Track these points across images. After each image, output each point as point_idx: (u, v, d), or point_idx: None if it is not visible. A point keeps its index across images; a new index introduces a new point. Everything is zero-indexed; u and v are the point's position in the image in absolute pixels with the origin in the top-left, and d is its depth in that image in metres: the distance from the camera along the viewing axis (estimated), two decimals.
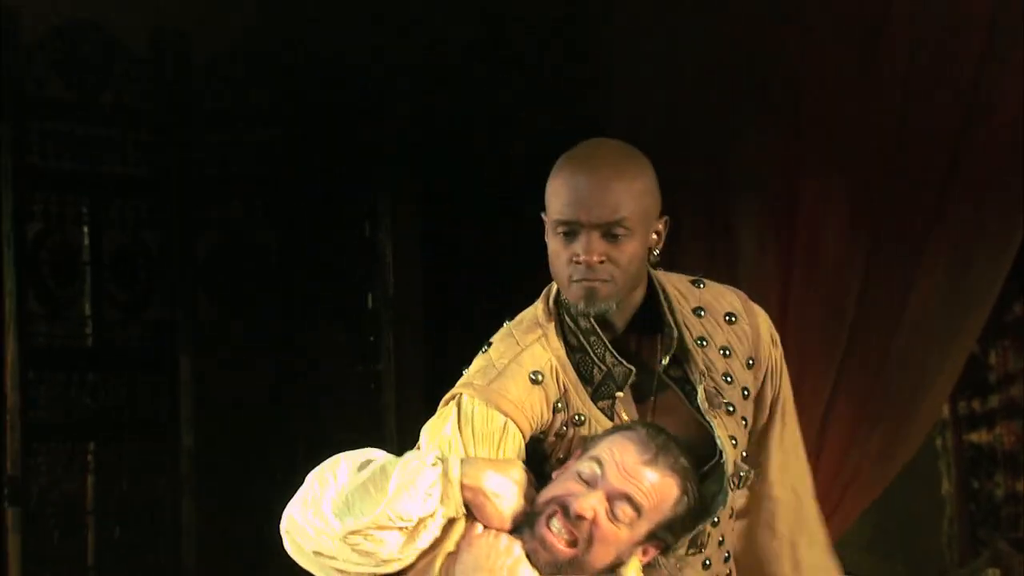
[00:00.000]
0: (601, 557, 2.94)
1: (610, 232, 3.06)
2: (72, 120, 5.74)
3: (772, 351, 3.30)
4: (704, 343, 3.19)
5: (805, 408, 5.29)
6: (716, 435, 3.12)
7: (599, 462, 2.96)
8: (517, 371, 3.11)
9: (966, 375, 6.20)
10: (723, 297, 3.27)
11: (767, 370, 3.29)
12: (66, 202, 5.77)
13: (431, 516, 2.91)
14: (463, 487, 2.95)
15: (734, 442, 3.16)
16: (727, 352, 3.21)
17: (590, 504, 2.93)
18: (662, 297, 3.17)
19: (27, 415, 5.57)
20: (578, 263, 3.07)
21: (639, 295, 3.16)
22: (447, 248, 5.76)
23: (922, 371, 5.37)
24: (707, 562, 3.17)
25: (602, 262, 3.06)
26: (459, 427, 3.08)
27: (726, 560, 3.23)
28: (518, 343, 3.14)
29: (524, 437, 3.07)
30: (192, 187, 5.96)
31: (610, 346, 3.12)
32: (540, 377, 3.11)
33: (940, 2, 5.16)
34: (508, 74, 5.71)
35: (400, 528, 2.89)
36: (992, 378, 6.79)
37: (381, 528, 2.88)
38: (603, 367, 3.13)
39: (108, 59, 5.82)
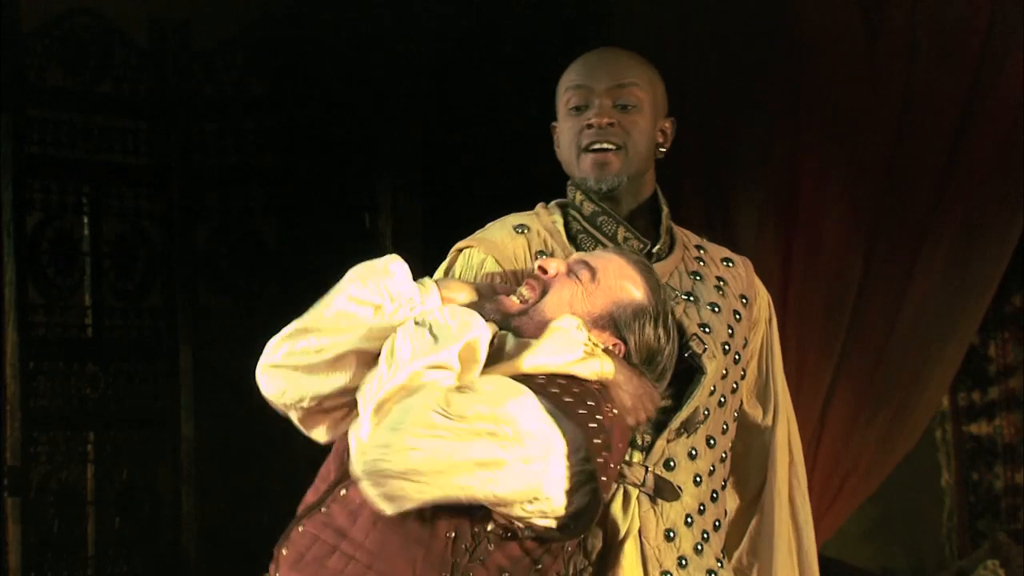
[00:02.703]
0: (552, 309, 2.93)
1: (620, 99, 3.12)
2: (72, 109, 5.73)
3: (765, 323, 3.31)
4: (698, 277, 3.23)
5: (805, 398, 5.33)
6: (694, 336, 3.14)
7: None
8: (501, 224, 3.21)
9: (966, 367, 6.21)
10: (723, 250, 3.34)
11: (763, 340, 3.29)
12: (66, 191, 5.76)
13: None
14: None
15: (714, 355, 3.16)
16: (720, 286, 3.24)
17: (551, 264, 2.96)
18: (663, 204, 3.23)
19: (27, 405, 5.56)
20: (589, 127, 3.13)
21: (645, 191, 3.19)
22: (448, 239, 5.76)
23: (922, 362, 5.37)
24: (697, 478, 3.18)
25: (612, 125, 3.12)
26: (444, 273, 3.19)
27: (714, 498, 3.22)
28: (503, 217, 3.24)
29: (506, 273, 3.13)
30: (192, 176, 5.96)
31: (623, 222, 3.17)
32: (524, 229, 3.18)
33: None
34: (509, 65, 5.71)
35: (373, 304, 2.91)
36: (992, 370, 6.80)
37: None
38: (608, 244, 3.17)
39: (108, 48, 5.81)
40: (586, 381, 2.83)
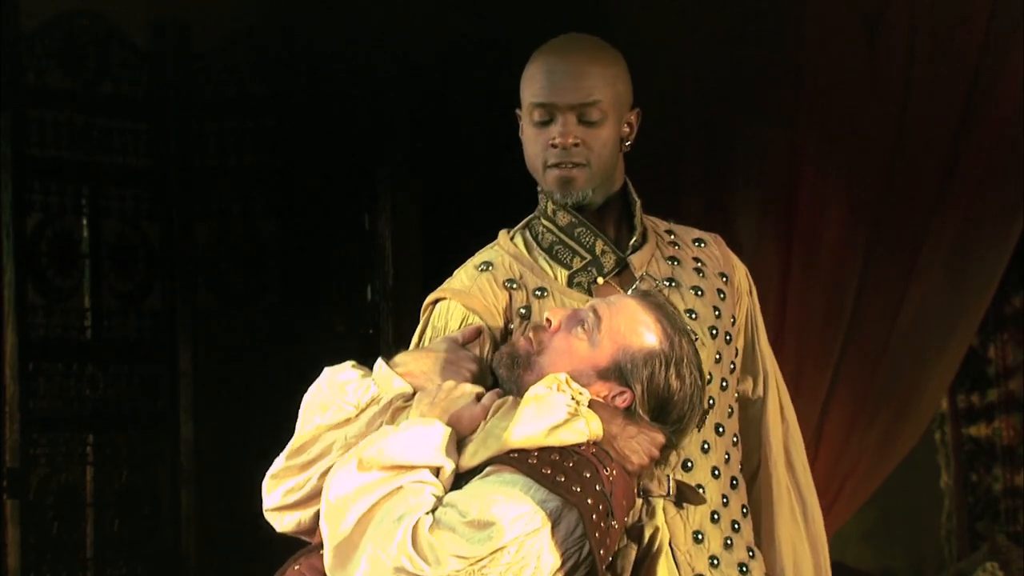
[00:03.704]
0: (553, 362, 2.89)
1: (584, 116, 3.14)
2: (72, 110, 5.73)
3: (747, 295, 3.31)
4: (676, 262, 3.24)
5: (804, 400, 5.33)
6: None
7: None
8: (465, 269, 3.21)
9: (965, 368, 6.21)
10: (692, 231, 3.35)
11: (747, 315, 3.29)
12: (65, 192, 5.76)
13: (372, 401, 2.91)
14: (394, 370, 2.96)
15: (703, 343, 3.16)
16: (699, 268, 3.26)
17: (557, 314, 2.93)
18: (634, 195, 3.24)
19: (26, 406, 5.56)
20: (553, 146, 3.14)
21: (615, 186, 3.23)
22: (447, 240, 5.76)
23: (921, 364, 5.37)
24: (715, 471, 3.18)
25: (576, 145, 3.13)
26: (420, 335, 3.18)
27: (734, 485, 3.22)
28: (469, 259, 3.24)
29: (479, 313, 3.12)
30: (191, 178, 5.95)
31: (601, 234, 3.18)
32: (487, 266, 3.18)
33: None
34: (509, 65, 5.71)
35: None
36: (991, 371, 6.80)
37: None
38: (586, 255, 3.17)
39: (108, 49, 5.81)
40: (579, 447, 2.79)
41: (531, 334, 2.94)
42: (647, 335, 2.89)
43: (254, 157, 6.00)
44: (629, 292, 3.13)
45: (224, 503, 5.85)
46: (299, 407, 3.03)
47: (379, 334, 5.86)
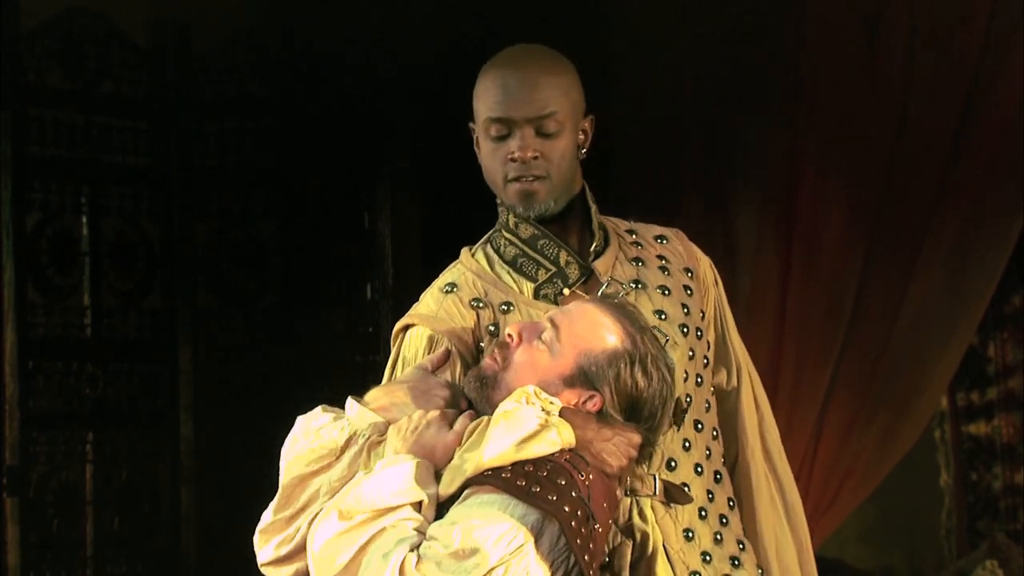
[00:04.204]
0: (518, 377, 2.88)
1: (542, 129, 3.13)
2: (71, 109, 5.73)
3: (713, 287, 3.32)
4: (640, 262, 3.24)
5: (804, 399, 5.33)
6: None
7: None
8: (431, 292, 3.22)
9: (965, 367, 6.21)
10: (653, 228, 3.34)
11: (715, 307, 3.30)
12: (65, 191, 5.76)
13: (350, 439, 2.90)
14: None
15: (675, 343, 3.16)
16: (664, 266, 3.25)
17: (517, 328, 2.92)
18: (591, 201, 3.24)
19: (26, 405, 5.56)
20: (513, 160, 3.14)
21: (573, 191, 3.23)
22: (446, 239, 5.75)
23: (921, 363, 5.37)
24: (698, 468, 3.18)
25: (536, 158, 3.14)
26: (392, 366, 3.18)
27: (718, 479, 3.22)
28: (434, 281, 3.25)
29: (448, 337, 3.13)
30: (191, 176, 5.96)
31: (565, 245, 3.18)
32: (452, 288, 3.19)
33: None
34: None
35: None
36: (991, 370, 6.80)
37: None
38: (550, 267, 3.18)
39: (107, 48, 5.81)
40: (552, 456, 2.78)
41: (496, 352, 2.93)
42: (608, 336, 2.88)
43: (253, 156, 6.00)
44: (587, 298, 3.12)
45: (224, 502, 5.85)
46: (299, 405, 3.04)
47: (379, 332, 5.86)
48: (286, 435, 3.00)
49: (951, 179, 5.25)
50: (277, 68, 5.98)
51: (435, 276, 3.27)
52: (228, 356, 5.95)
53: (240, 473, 5.81)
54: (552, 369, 2.88)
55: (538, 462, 2.77)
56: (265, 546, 2.91)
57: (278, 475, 2.95)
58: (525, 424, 2.80)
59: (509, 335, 2.92)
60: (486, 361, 2.95)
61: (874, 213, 5.33)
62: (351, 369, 5.92)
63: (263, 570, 2.95)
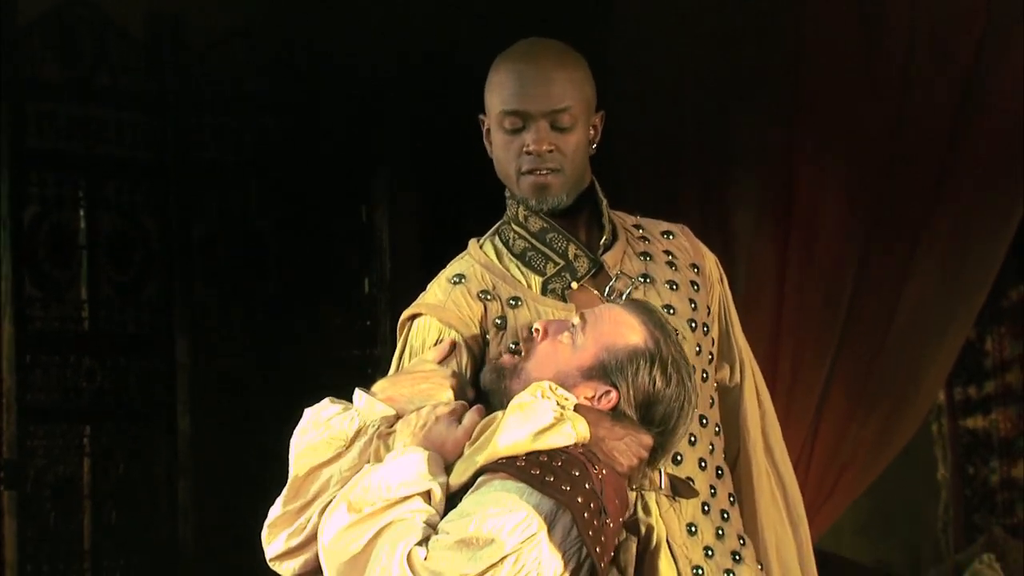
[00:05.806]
0: (537, 368, 2.90)
1: (557, 123, 3.14)
2: (69, 102, 5.73)
3: (718, 284, 3.32)
4: (648, 257, 3.25)
5: (801, 393, 5.34)
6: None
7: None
8: (438, 282, 3.21)
9: (962, 361, 6.22)
10: (660, 223, 3.35)
11: (720, 303, 3.30)
12: (63, 184, 5.76)
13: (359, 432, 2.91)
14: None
15: (684, 337, 3.16)
16: (671, 261, 3.26)
17: (543, 323, 2.95)
18: (600, 195, 3.25)
19: (23, 398, 5.56)
20: (528, 153, 3.15)
21: (583, 185, 3.23)
22: (444, 233, 5.76)
23: (918, 357, 5.38)
24: (702, 463, 3.18)
25: (551, 151, 3.14)
26: (399, 356, 3.18)
27: (719, 475, 3.23)
28: (441, 272, 3.25)
29: (455, 327, 3.13)
30: (189, 170, 5.95)
31: (574, 238, 3.19)
32: (460, 279, 3.18)
33: None
34: None
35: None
36: (988, 364, 6.82)
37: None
38: (559, 260, 3.18)
39: (104, 41, 5.81)
40: (567, 448, 2.79)
41: (524, 343, 2.95)
42: (631, 334, 2.90)
43: (252, 150, 6.00)
44: (606, 292, 3.14)
45: (221, 495, 5.86)
46: (298, 404, 3.04)
47: (377, 327, 5.87)
48: (283, 428, 3.00)
49: (949, 175, 5.26)
50: (276, 63, 5.98)
51: (433, 271, 3.28)
52: (226, 350, 5.95)
53: (238, 466, 5.81)
54: (572, 360, 2.90)
55: (552, 453, 2.78)
56: (274, 540, 2.91)
57: (277, 468, 2.95)
58: (541, 416, 2.80)
59: (536, 329, 2.94)
60: (505, 358, 2.97)
61: (872, 210, 5.33)
62: (348, 363, 5.93)
63: (272, 565, 2.94)
